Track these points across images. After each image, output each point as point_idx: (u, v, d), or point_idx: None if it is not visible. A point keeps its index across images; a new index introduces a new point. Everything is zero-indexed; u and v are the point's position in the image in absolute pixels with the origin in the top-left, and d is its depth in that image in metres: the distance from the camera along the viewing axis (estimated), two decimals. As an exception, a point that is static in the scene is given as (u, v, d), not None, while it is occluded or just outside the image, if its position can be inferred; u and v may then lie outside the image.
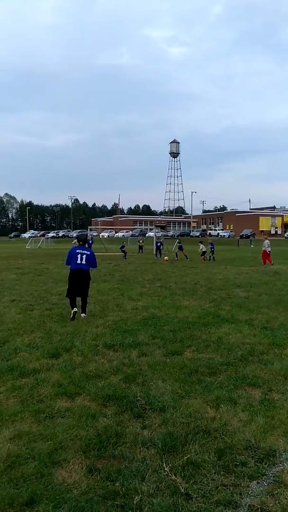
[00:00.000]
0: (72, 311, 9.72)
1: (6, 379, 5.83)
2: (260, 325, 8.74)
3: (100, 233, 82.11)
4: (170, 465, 3.63)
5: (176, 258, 29.78)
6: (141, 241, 42.79)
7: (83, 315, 9.92)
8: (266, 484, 3.41)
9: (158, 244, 33.49)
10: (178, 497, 3.21)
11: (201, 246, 29.71)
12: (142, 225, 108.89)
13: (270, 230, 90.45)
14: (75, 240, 21.71)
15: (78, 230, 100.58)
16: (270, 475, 3.53)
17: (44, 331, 8.51)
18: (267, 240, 25.26)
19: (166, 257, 30.00)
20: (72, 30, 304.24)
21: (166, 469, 3.57)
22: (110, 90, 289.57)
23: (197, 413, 4.64)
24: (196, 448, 3.89)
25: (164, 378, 5.74)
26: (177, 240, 35.31)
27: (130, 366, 6.30)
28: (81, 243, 10.63)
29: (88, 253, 10.13)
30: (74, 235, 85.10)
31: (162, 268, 23.22)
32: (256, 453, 3.85)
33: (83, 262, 9.97)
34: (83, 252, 10.05)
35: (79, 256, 9.97)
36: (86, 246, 11.16)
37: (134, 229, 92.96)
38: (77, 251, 10.06)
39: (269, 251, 24.89)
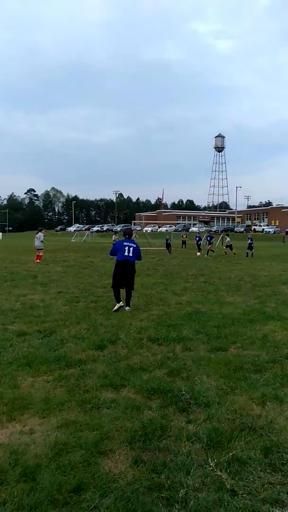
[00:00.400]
0: (118, 305, 9.98)
1: (53, 368, 5.97)
2: (308, 323, 8.54)
3: (143, 228, 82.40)
4: (215, 460, 3.61)
5: (224, 254, 29.40)
6: (184, 236, 42.72)
7: (127, 308, 10.10)
8: (314, 485, 3.34)
9: (197, 238, 32.96)
10: (224, 493, 3.20)
11: (227, 238, 29.30)
12: (185, 220, 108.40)
13: None
14: (115, 236, 21.83)
15: (122, 225, 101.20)
16: None
17: (90, 323, 8.65)
18: None
19: (198, 253, 29.70)
20: (119, 25, 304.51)
21: (211, 464, 3.56)
22: (156, 85, 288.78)
23: (243, 410, 4.60)
24: (242, 445, 3.86)
25: (208, 374, 5.71)
26: (206, 235, 34.64)
27: (174, 360, 6.32)
28: (127, 236, 10.91)
29: (135, 245, 10.45)
30: (118, 229, 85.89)
31: (205, 264, 23.08)
32: (303, 453, 3.77)
33: (130, 254, 10.27)
34: (130, 245, 10.38)
35: (126, 248, 10.29)
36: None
37: (178, 224, 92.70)
38: (124, 243, 10.41)
39: None
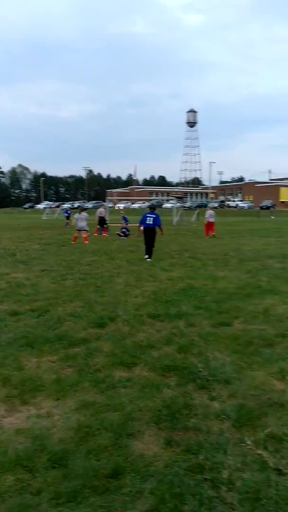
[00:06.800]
0: (145, 256, 14.29)
1: (57, 348, 5.74)
2: (306, 297, 8.50)
3: (116, 204, 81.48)
4: (252, 438, 3.49)
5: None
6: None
7: (148, 259, 14.03)
8: None
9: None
10: (269, 473, 3.08)
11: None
12: (158, 196, 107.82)
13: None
14: (77, 215, 20.65)
15: (95, 201, 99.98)
16: None
17: (84, 301, 8.39)
18: (211, 211, 24.82)
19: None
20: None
21: (248, 442, 3.43)
22: (124, 60, 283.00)
23: (265, 385, 4.50)
24: (275, 421, 3.75)
25: (220, 349, 5.58)
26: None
27: (181, 337, 6.16)
28: (151, 209, 15.54)
29: (154, 216, 14.63)
30: (90, 206, 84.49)
31: (186, 239, 22.98)
32: None
33: (150, 222, 14.47)
34: (151, 216, 14.63)
35: (147, 218, 14.56)
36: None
37: (151, 200, 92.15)
38: (147, 215, 14.74)
39: (212, 222, 24.26)
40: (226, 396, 4.28)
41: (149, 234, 14.54)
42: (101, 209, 28.02)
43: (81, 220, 21.15)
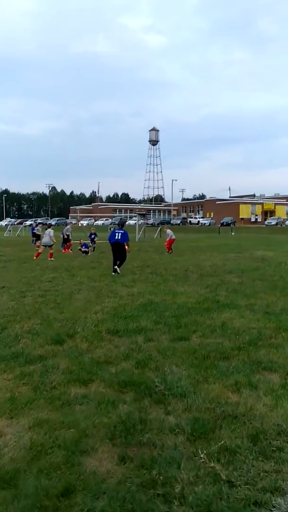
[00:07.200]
0: (113, 268, 14.79)
1: (12, 366, 5.62)
2: (262, 310, 8.67)
3: (79, 221, 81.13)
4: (205, 451, 3.50)
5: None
6: (111, 228, 42.42)
7: (116, 267, 14.62)
8: (307, 469, 3.30)
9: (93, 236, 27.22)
10: (221, 485, 3.09)
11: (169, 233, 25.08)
12: (121, 213, 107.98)
13: (251, 218, 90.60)
14: (48, 229, 21.06)
15: (57, 218, 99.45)
16: (309, 460, 3.43)
17: (42, 318, 8.28)
18: (169, 230, 25.33)
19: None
20: (49, 17, 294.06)
21: (202, 456, 3.44)
22: (87, 78, 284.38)
23: (220, 398, 4.53)
24: (228, 434, 3.77)
25: (177, 364, 5.60)
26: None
27: (139, 352, 6.15)
28: (120, 226, 16.23)
29: (122, 232, 15.25)
30: (53, 223, 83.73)
31: (148, 256, 23.09)
32: (289, 438, 3.74)
33: (119, 238, 15.00)
34: (119, 231, 15.24)
35: (116, 234, 15.16)
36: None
37: (114, 217, 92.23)
38: (116, 231, 15.44)
39: (174, 239, 24.81)
40: (182, 410, 4.28)
41: (118, 248, 15.10)
42: (68, 227, 28.18)
43: (45, 235, 21.47)
